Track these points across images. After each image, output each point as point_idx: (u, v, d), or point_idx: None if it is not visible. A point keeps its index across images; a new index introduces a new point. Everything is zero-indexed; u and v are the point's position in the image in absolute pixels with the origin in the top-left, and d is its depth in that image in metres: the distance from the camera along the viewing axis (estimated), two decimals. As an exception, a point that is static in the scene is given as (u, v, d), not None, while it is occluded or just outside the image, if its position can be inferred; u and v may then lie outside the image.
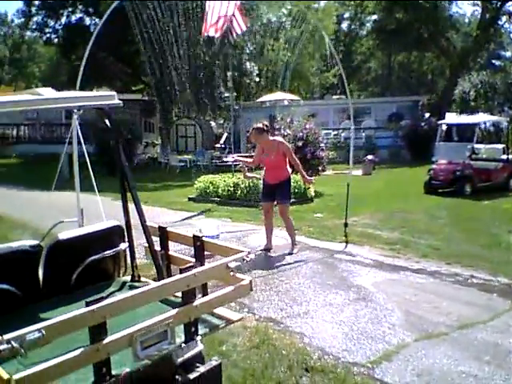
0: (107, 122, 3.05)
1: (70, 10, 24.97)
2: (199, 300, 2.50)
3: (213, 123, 31.10)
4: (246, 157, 7.50)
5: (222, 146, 25.43)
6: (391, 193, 13.27)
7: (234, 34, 12.70)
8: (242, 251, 2.71)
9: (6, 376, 1.86)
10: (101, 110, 2.98)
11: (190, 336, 2.44)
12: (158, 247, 3.31)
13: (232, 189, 11.49)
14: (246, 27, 13.12)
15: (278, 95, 22.68)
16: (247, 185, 11.30)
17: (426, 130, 20.38)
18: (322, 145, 13.84)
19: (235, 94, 26.66)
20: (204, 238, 3.05)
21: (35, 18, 24.12)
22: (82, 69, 6.37)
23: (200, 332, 2.52)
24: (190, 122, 31.13)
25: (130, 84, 30.30)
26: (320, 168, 13.74)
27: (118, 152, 3.08)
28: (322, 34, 45.12)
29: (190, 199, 12.12)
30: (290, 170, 6.93)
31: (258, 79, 24.77)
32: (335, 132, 24.04)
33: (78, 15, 25.53)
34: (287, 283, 5.46)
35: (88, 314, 2.02)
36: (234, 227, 8.71)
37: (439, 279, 5.67)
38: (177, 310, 2.38)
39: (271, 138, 6.89)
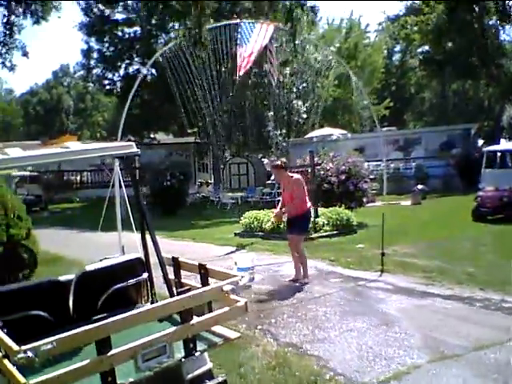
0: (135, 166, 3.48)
1: (127, 62, 26.64)
2: (196, 319, 2.79)
3: (266, 160, 31.78)
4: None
5: (273, 182, 25.88)
6: (438, 221, 13.13)
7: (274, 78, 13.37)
8: (236, 276, 2.98)
9: (23, 380, 2.22)
10: (121, 159, 3.39)
11: (188, 351, 2.73)
12: (172, 276, 3.62)
13: (275, 223, 11.79)
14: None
15: (326, 130, 23.06)
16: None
17: (477, 157, 19.98)
18: (366, 177, 13.97)
19: (284, 131, 27.35)
20: (208, 266, 3.33)
21: (95, 71, 25.89)
22: (123, 119, 6.98)
23: (199, 348, 2.80)
24: (242, 161, 31.98)
25: (186, 127, 31.66)
26: (364, 200, 13.87)
27: (138, 195, 3.46)
28: (372, 69, 45.50)
29: (235, 234, 12.49)
30: (308, 205, 7.19)
31: (305, 116, 25.25)
32: (384, 163, 23.94)
33: (135, 66, 27.13)
34: (314, 311, 5.64)
35: (93, 329, 2.37)
36: (273, 259, 8.99)
37: (468, 304, 5.67)
38: (175, 327, 2.69)
39: (290, 174, 7.22)
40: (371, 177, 23.09)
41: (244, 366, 4.10)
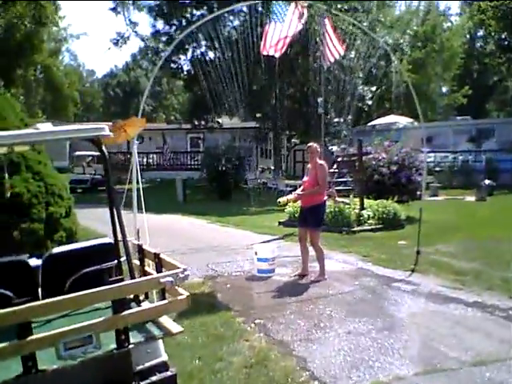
0: (104, 150, 3.43)
1: (194, 45, 26.93)
2: (128, 311, 2.73)
3: (335, 148, 31.19)
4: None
5: (336, 170, 25.39)
6: (497, 220, 12.28)
7: (329, 61, 12.93)
8: (179, 268, 2.89)
9: None
10: (91, 141, 3.36)
11: (120, 343, 2.69)
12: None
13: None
14: (344, 51, 13.21)
15: (391, 118, 22.22)
16: (333, 210, 11.28)
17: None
18: (421, 169, 13.30)
19: (349, 118, 26.67)
20: (161, 255, 3.27)
21: (162, 54, 26.32)
22: (143, 104, 7.00)
23: (133, 340, 2.74)
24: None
25: (250, 112, 31.70)
26: (418, 193, 13.22)
27: (108, 179, 3.44)
28: (451, 55, 43.16)
29: (279, 223, 12.36)
30: (325, 196, 6.83)
31: (370, 103, 24.48)
32: (453, 155, 22.76)
33: (202, 49, 27.39)
34: (320, 309, 5.43)
35: (11, 313, 2.38)
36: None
37: (489, 313, 5.25)
38: (103, 318, 2.65)
39: (319, 161, 6.86)
40: (437, 169, 22.29)
41: (222, 361, 4.02)
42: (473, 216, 13.25)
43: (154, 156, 29.64)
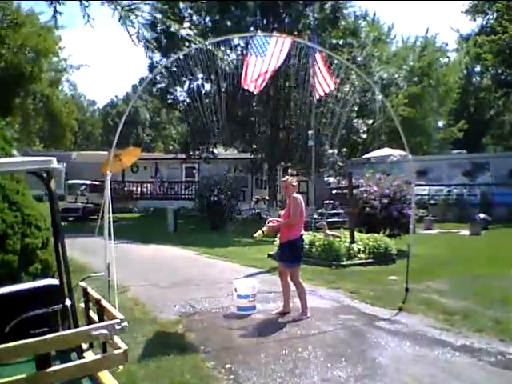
0: (52, 184, 3.19)
1: (190, 77, 27.09)
2: (54, 367, 2.43)
3: (331, 179, 31.06)
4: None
5: (330, 202, 25.19)
6: (491, 255, 11.98)
7: (319, 94, 12.85)
8: (116, 319, 2.60)
9: None
10: (34, 174, 3.12)
11: None
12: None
13: (308, 246, 11.23)
14: (334, 86, 13.15)
15: (385, 151, 22.10)
16: (322, 243, 11.01)
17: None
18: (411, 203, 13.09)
19: (344, 150, 26.60)
20: (102, 302, 3.00)
21: (159, 85, 26.46)
22: (119, 129, 6.82)
23: None
24: (302, 179, 31.45)
25: (244, 143, 31.68)
26: (410, 227, 12.95)
27: (54, 213, 3.20)
28: (447, 89, 43.45)
29: (268, 256, 12.06)
30: (301, 231, 6.55)
31: (365, 136, 24.45)
32: (448, 188, 22.60)
33: (198, 82, 27.55)
34: (296, 352, 5.09)
35: None
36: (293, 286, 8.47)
37: (476, 359, 4.93)
38: (25, 375, 2.35)
39: (294, 194, 6.57)
40: (431, 202, 22.09)
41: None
42: (466, 251, 12.98)
43: (148, 185, 29.47)
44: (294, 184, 6.64)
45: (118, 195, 27.58)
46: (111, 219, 5.63)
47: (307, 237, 11.62)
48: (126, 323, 2.54)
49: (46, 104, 43.97)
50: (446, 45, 47.28)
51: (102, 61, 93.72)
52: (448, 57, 47.84)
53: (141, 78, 27.77)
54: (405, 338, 5.60)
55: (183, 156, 27.67)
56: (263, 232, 6.44)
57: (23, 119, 43.51)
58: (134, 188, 29.17)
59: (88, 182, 24.88)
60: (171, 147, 64.47)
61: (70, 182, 25.74)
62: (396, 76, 29.66)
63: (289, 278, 6.63)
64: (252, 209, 25.31)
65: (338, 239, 11.18)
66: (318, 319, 6.40)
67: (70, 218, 21.56)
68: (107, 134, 67.82)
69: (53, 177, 3.12)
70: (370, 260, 10.89)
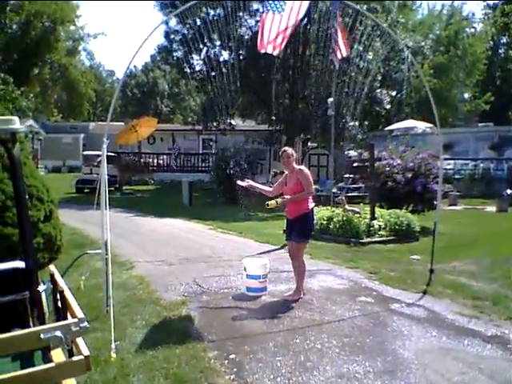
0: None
1: (208, 45, 26.30)
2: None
3: (352, 152, 30.25)
4: (265, 184, 6.44)
5: (351, 176, 24.50)
6: (520, 234, 11.33)
7: (337, 59, 12.08)
8: (77, 318, 2.10)
9: None
10: None
11: None
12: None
13: (325, 222, 10.71)
14: (348, 52, 12.33)
15: (409, 123, 21.18)
16: (340, 219, 10.46)
17: None
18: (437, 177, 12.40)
19: (366, 122, 25.72)
20: (65, 293, 2.50)
21: (175, 53, 25.72)
22: (114, 100, 6.28)
23: None
24: (323, 152, 30.73)
25: (267, 114, 30.90)
26: (435, 202, 12.31)
27: (17, 184, 2.71)
28: (473, 60, 41.89)
29: (284, 231, 11.55)
30: (311, 204, 5.99)
31: (388, 106, 23.50)
32: (474, 163, 21.68)
33: (216, 50, 26.76)
34: (309, 343, 4.59)
35: None
36: (308, 265, 7.96)
37: (510, 352, 4.38)
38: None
39: (296, 166, 6.04)
40: (457, 177, 21.24)
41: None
42: (494, 228, 12.31)
43: (165, 157, 29.01)
44: (295, 155, 6.07)
45: (134, 167, 27.28)
46: (107, 194, 5.12)
47: (325, 212, 11.12)
48: (86, 323, 2.04)
49: (64, 74, 43.68)
50: (473, 14, 45.49)
51: (121, 31, 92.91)
52: (474, 27, 45.98)
53: (158, 46, 26.87)
54: (430, 327, 5.06)
55: (200, 127, 27.11)
56: (277, 202, 5.89)
57: (41, 89, 43.32)
58: (151, 160, 28.76)
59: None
60: (190, 119, 64.01)
61: (85, 152, 25.45)
62: (422, 44, 28.27)
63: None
64: (270, 182, 24.75)
65: (358, 215, 10.62)
66: (334, 303, 5.89)
67: (86, 190, 21.25)
68: (126, 104, 67.49)
69: (17, 140, 2.62)
70: (391, 237, 10.31)
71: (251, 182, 6.19)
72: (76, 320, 2.05)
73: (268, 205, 5.91)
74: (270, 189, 6.30)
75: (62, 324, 2.05)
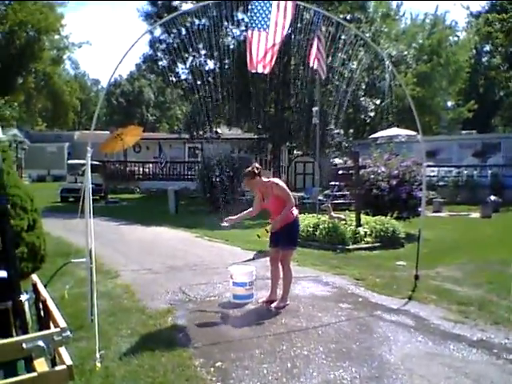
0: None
1: (193, 54, 26.35)
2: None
3: (337, 160, 30.43)
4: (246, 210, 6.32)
5: (336, 184, 24.63)
6: (503, 239, 11.47)
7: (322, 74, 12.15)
8: (60, 327, 2.07)
9: None
10: None
11: None
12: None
13: (312, 229, 10.74)
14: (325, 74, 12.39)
15: (393, 131, 21.41)
16: (327, 226, 10.50)
17: None
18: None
19: (350, 130, 25.94)
20: (48, 302, 2.48)
21: (160, 62, 25.73)
22: (97, 108, 6.27)
23: None
24: (308, 160, 30.88)
25: (253, 122, 30.98)
26: (419, 209, 12.43)
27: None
28: (456, 69, 42.45)
29: (258, 236, 11.55)
30: (295, 211, 6.00)
31: (372, 114, 23.72)
32: (458, 170, 21.93)
33: (201, 59, 26.82)
34: (296, 349, 4.58)
35: None
36: (294, 272, 7.97)
37: (495, 356, 4.42)
38: None
39: (266, 179, 6.00)
40: (441, 183, 21.46)
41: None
42: (478, 235, 12.45)
43: (151, 165, 28.91)
44: (259, 169, 5.96)
45: (119, 175, 27.16)
46: (91, 203, 5.07)
47: (311, 219, 11.17)
48: (68, 333, 2.02)
49: (48, 83, 43.42)
50: (456, 23, 46.26)
51: (106, 40, 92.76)
52: (457, 36, 46.74)
53: (143, 55, 26.83)
54: (416, 332, 5.09)
55: (186, 136, 27.09)
56: (267, 230, 5.92)
57: (25, 98, 42.98)
58: (136, 168, 28.65)
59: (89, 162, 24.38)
60: (176, 127, 63.81)
61: (70, 161, 25.26)
62: (405, 53, 28.66)
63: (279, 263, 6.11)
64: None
65: (344, 222, 10.68)
66: (321, 309, 5.89)
67: (71, 199, 21.07)
68: (111, 113, 67.13)
69: None
70: (376, 244, 10.38)
71: (232, 217, 6.06)
72: (58, 329, 2.03)
73: (259, 236, 5.95)
74: (251, 209, 6.22)
75: (44, 334, 2.02)
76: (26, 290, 2.88)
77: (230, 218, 6.07)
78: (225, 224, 6.10)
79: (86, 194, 5.14)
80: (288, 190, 5.97)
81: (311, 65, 10.61)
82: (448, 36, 42.76)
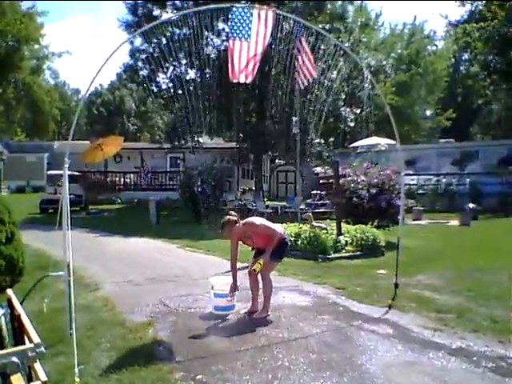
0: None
1: (174, 63, 26.32)
2: None
3: (319, 169, 30.57)
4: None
5: (318, 192, 24.77)
6: (482, 247, 11.66)
7: (302, 84, 12.24)
8: (34, 343, 2.05)
9: None
10: None
11: None
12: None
13: (293, 239, 10.76)
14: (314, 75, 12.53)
15: (372, 140, 21.59)
16: (308, 235, 10.55)
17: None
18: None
19: (331, 139, 26.09)
20: (22, 318, 2.46)
21: (141, 72, 25.66)
22: (75, 119, 6.22)
23: None
24: (290, 169, 31.02)
25: (234, 132, 31.01)
26: (400, 218, 12.54)
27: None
28: (435, 78, 43.05)
29: (253, 248, 11.55)
30: (278, 233, 6.02)
31: (352, 124, 23.94)
32: (437, 178, 22.22)
33: (182, 68, 26.80)
34: (277, 360, 4.57)
35: None
36: (275, 282, 7.96)
37: (475, 364, 4.47)
38: None
39: (242, 223, 6.10)
40: (420, 192, 21.72)
41: None
42: (457, 242, 12.62)
43: (132, 176, 28.71)
44: (235, 217, 6.11)
45: (100, 186, 26.90)
46: (69, 214, 5.03)
47: (293, 229, 11.20)
48: (42, 349, 2.00)
49: (28, 93, 42.94)
50: (435, 33, 46.99)
51: (86, 50, 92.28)
52: (436, 45, 47.53)
53: (123, 65, 26.70)
54: (396, 341, 5.13)
55: (168, 146, 26.99)
56: (260, 264, 5.94)
57: (4, 108, 42.47)
58: (117, 178, 28.41)
59: (68, 172, 24.12)
60: (157, 137, 63.55)
61: (50, 172, 24.98)
62: (384, 63, 29.05)
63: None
64: (238, 200, 24.76)
65: (325, 231, 10.74)
66: (302, 319, 5.91)
67: (50, 210, 20.82)
68: (92, 123, 66.67)
69: None
70: (357, 253, 10.46)
71: (232, 287, 6.09)
72: (32, 345, 2.01)
73: (255, 271, 5.97)
74: (233, 256, 6.30)
75: (17, 349, 2.00)
76: (1, 304, 2.85)
77: (231, 295, 6.09)
78: (228, 300, 6.12)
79: (64, 205, 5.08)
80: (266, 223, 6.05)
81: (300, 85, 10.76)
82: (426, 45, 43.44)
